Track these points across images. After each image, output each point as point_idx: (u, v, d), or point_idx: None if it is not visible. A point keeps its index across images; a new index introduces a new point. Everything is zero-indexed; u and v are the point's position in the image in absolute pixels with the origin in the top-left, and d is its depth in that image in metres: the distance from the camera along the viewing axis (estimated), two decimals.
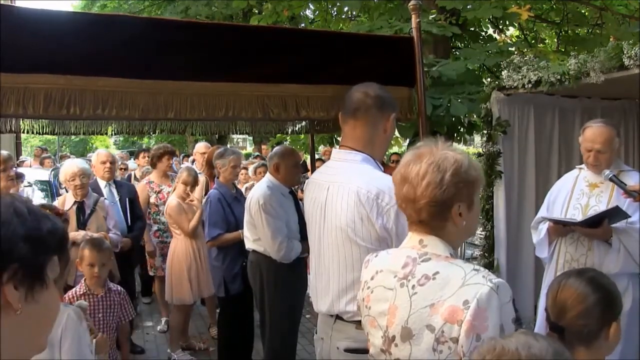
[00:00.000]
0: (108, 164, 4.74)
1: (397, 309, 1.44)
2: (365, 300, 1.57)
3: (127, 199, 4.78)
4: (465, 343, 1.31)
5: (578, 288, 1.58)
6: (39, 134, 2.79)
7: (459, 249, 4.94)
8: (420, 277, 1.42)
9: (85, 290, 3.10)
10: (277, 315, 3.63)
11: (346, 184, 2.02)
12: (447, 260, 1.43)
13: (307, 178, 2.84)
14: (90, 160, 5.33)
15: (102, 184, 4.72)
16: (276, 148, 3.93)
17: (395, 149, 12.75)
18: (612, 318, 1.58)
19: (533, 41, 9.43)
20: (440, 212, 1.43)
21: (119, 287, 3.30)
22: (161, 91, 2.37)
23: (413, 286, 1.42)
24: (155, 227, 5.35)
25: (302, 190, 4.64)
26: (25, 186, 7.04)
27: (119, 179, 5.54)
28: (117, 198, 4.73)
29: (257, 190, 3.69)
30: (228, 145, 14.31)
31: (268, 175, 3.77)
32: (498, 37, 8.37)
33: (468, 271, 1.38)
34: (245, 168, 6.68)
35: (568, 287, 1.60)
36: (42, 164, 10.28)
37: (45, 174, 8.05)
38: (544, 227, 3.25)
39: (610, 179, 2.99)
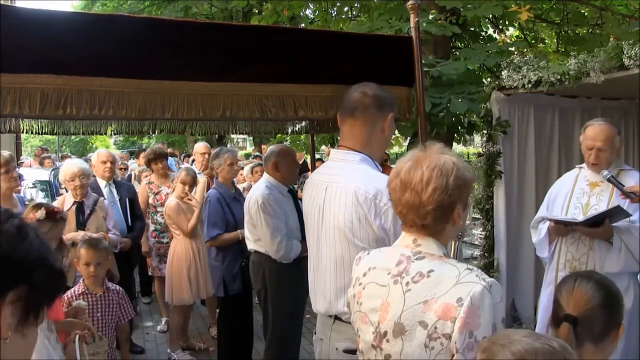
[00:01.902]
0: (108, 164, 4.75)
1: (390, 305, 1.46)
2: (356, 297, 1.59)
3: (126, 199, 4.78)
4: (459, 339, 1.34)
5: (592, 288, 1.61)
6: (38, 134, 2.78)
7: (454, 248, 4.97)
8: (414, 275, 1.45)
9: (83, 290, 3.11)
10: (280, 316, 3.63)
11: (344, 184, 2.02)
12: (441, 260, 1.46)
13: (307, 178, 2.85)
14: (90, 160, 5.34)
15: (102, 183, 4.72)
16: (271, 147, 3.93)
17: (395, 149, 12.75)
18: (620, 319, 1.62)
19: (533, 41, 9.41)
20: (443, 215, 1.47)
21: (118, 287, 3.30)
22: (158, 91, 2.36)
23: (407, 283, 1.45)
24: (152, 227, 5.36)
25: (302, 190, 4.63)
26: (29, 187, 7.05)
27: (118, 179, 5.54)
28: (117, 198, 4.73)
29: (256, 190, 3.68)
30: (228, 145, 14.32)
31: (266, 175, 3.77)
32: (498, 37, 8.36)
33: (462, 270, 1.42)
34: (242, 168, 6.67)
35: (584, 284, 1.62)
36: (41, 164, 10.29)
37: (45, 174, 8.06)
38: (544, 226, 3.24)
39: (609, 180, 2.99)
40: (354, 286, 1.62)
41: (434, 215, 1.45)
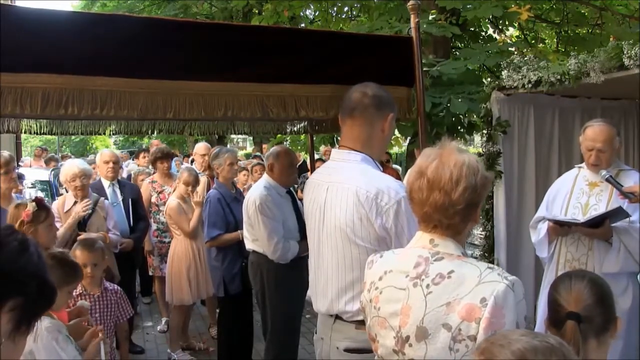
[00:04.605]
0: (111, 164, 4.73)
1: (411, 308, 1.44)
2: (373, 302, 1.55)
3: (130, 199, 4.77)
4: None
5: (587, 285, 1.62)
6: (37, 134, 2.78)
7: None
8: (434, 277, 1.42)
9: (81, 291, 3.11)
10: (278, 316, 3.63)
11: (345, 184, 2.02)
12: (460, 259, 1.44)
13: (307, 178, 2.86)
14: (90, 161, 5.33)
15: (105, 183, 4.71)
16: (272, 148, 3.93)
17: (395, 149, 12.75)
18: (615, 314, 1.62)
19: (533, 41, 9.41)
20: (469, 214, 1.46)
21: (116, 286, 3.31)
22: (160, 91, 2.36)
23: (427, 285, 1.42)
24: (154, 227, 5.36)
25: (301, 190, 4.63)
26: (29, 187, 7.04)
27: (120, 179, 5.54)
28: (120, 198, 4.72)
29: (254, 191, 3.69)
30: (228, 145, 14.30)
31: (265, 176, 3.78)
32: (498, 37, 8.36)
33: (483, 269, 1.40)
34: (246, 169, 6.67)
35: (580, 281, 1.63)
36: (47, 163, 10.29)
37: (45, 174, 8.04)
38: (543, 226, 3.25)
39: (607, 180, 2.99)
40: (369, 290, 1.58)
41: (461, 215, 1.43)
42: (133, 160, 10.09)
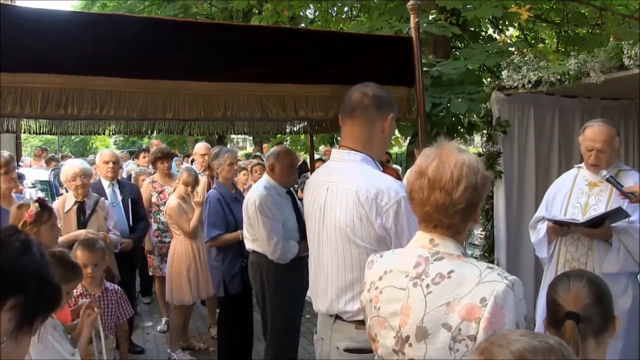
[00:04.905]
0: (111, 164, 4.73)
1: (411, 308, 1.44)
2: (373, 301, 1.55)
3: (129, 199, 4.77)
4: None
5: (586, 284, 1.62)
6: (37, 134, 2.79)
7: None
8: (434, 276, 1.42)
9: (82, 291, 3.11)
10: (278, 316, 3.64)
11: (345, 184, 2.02)
12: (460, 259, 1.44)
13: (307, 178, 2.85)
14: (90, 161, 5.33)
15: (105, 184, 4.71)
16: (273, 148, 3.93)
17: (395, 149, 12.75)
18: (614, 314, 1.62)
19: (533, 41, 9.42)
20: (469, 213, 1.45)
21: (116, 286, 3.31)
22: (159, 91, 2.36)
23: (427, 285, 1.42)
24: (154, 227, 5.36)
25: (302, 190, 4.63)
26: (29, 187, 7.05)
27: (120, 179, 5.54)
28: (119, 198, 4.72)
29: (254, 191, 3.69)
30: (228, 145, 14.30)
31: (265, 176, 3.78)
32: (498, 37, 8.37)
33: (483, 269, 1.40)
34: (246, 169, 6.67)
35: (578, 281, 1.63)
36: (47, 163, 10.30)
37: (45, 174, 8.05)
38: (542, 226, 3.25)
39: (607, 180, 2.99)
40: (369, 290, 1.58)
41: (461, 214, 1.43)
42: (133, 160, 10.09)
